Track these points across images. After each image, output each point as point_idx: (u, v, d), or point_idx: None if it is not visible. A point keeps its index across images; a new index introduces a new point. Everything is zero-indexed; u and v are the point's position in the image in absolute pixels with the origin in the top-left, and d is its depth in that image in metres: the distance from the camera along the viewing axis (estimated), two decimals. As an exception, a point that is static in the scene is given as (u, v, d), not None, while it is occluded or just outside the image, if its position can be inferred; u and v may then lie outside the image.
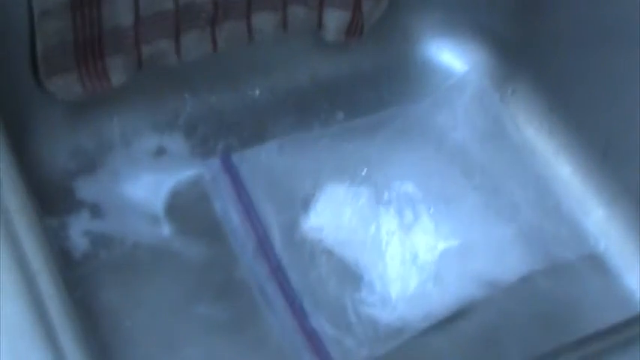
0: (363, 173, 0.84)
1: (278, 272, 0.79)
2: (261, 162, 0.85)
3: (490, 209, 0.84)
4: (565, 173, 0.90)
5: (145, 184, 0.85)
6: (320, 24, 0.90)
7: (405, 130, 0.88)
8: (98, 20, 0.78)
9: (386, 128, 0.88)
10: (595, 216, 0.87)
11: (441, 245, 0.81)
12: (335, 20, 0.89)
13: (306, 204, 0.83)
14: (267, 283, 0.79)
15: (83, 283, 0.77)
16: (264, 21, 0.87)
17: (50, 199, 0.81)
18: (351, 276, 0.80)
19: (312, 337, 0.76)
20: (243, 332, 0.78)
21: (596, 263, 0.85)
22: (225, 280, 0.80)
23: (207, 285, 0.80)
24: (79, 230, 0.81)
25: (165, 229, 0.82)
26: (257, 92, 0.92)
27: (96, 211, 0.82)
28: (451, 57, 0.97)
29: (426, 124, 0.88)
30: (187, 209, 0.84)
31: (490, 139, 0.88)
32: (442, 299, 0.78)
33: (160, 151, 0.87)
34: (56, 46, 0.78)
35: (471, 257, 0.80)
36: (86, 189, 0.84)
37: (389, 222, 0.81)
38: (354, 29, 0.91)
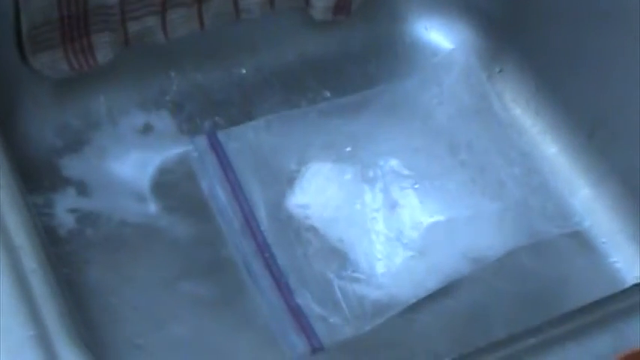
0: (349, 150, 0.84)
1: (264, 250, 0.79)
2: (248, 139, 0.85)
3: (476, 185, 0.84)
4: (552, 153, 0.90)
5: (131, 162, 0.85)
6: (307, 2, 0.90)
7: (391, 107, 0.88)
8: (84, -3, 0.78)
9: (373, 105, 0.88)
10: (581, 195, 0.88)
11: (427, 221, 0.81)
12: (322, -2, 0.89)
13: (291, 181, 0.83)
14: (253, 260, 0.79)
15: (69, 261, 0.77)
16: (251, -2, 0.87)
17: (36, 176, 0.81)
18: (336, 253, 0.80)
19: (298, 315, 0.76)
20: (229, 310, 0.78)
21: (582, 242, 0.85)
22: (212, 258, 0.80)
23: (194, 263, 0.80)
24: (65, 208, 0.81)
25: (152, 207, 0.82)
26: (244, 70, 0.92)
27: (82, 188, 0.82)
28: (439, 36, 0.96)
29: (412, 100, 0.88)
30: (174, 187, 0.84)
31: (476, 116, 0.88)
32: (428, 276, 0.78)
33: (147, 129, 0.87)
34: (41, 23, 0.78)
35: (457, 233, 0.80)
36: (72, 166, 0.84)
37: (374, 199, 0.81)
38: (341, 7, 0.90)
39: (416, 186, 0.82)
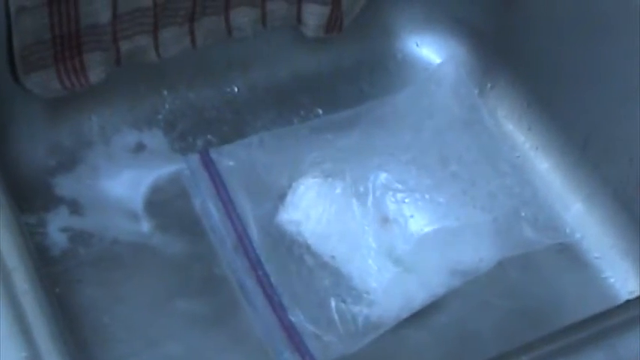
0: (340, 165, 0.84)
1: (257, 267, 0.79)
2: (240, 157, 0.85)
3: (467, 197, 0.83)
4: (544, 168, 0.90)
5: (124, 181, 0.85)
6: (299, 20, 0.90)
7: (382, 120, 0.87)
8: (75, 17, 0.78)
9: (364, 120, 0.87)
10: (574, 210, 0.88)
11: (418, 235, 0.81)
12: (314, 16, 0.89)
13: (283, 198, 0.83)
14: (246, 278, 0.79)
15: (62, 280, 0.77)
16: (243, 16, 0.87)
17: (29, 196, 0.81)
18: (328, 270, 0.79)
19: (292, 333, 0.76)
20: (223, 327, 0.78)
21: (575, 257, 0.85)
22: (205, 276, 0.80)
23: (187, 281, 0.80)
24: (57, 227, 0.81)
25: (145, 225, 0.83)
26: (236, 88, 0.92)
27: (75, 207, 0.82)
28: (430, 52, 0.97)
29: (403, 114, 0.88)
30: (167, 205, 0.84)
31: (467, 129, 0.88)
32: (419, 290, 0.78)
33: (139, 148, 0.87)
34: (33, 43, 0.78)
35: (448, 246, 0.80)
36: (65, 185, 0.84)
37: (365, 213, 0.81)
38: (333, 25, 0.90)
39: (406, 200, 0.82)
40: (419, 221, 0.82)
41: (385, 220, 0.82)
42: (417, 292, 0.78)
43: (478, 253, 0.81)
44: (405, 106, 0.89)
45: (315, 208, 0.82)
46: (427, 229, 0.81)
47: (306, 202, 0.82)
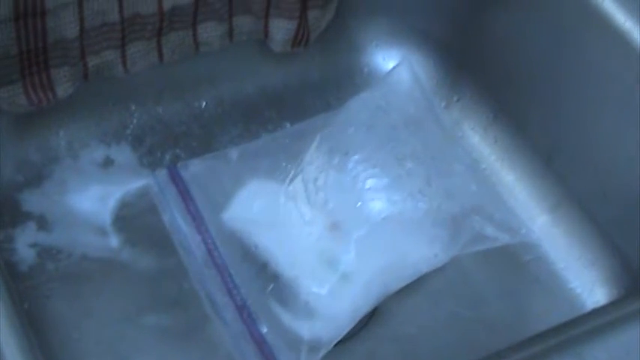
0: (294, 169, 0.82)
1: (227, 281, 0.79)
2: (208, 171, 0.84)
3: (424, 196, 0.82)
4: (510, 180, 0.91)
5: (92, 196, 0.85)
6: (266, 34, 0.90)
7: (337, 122, 0.85)
8: (42, 32, 0.78)
9: (322, 125, 0.85)
10: (540, 221, 0.88)
11: (374, 234, 0.79)
12: (281, 31, 0.90)
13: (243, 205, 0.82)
14: (216, 291, 0.79)
15: (31, 296, 0.77)
16: (210, 32, 0.87)
17: (-4, 211, 0.81)
18: (291, 282, 0.78)
19: (262, 345, 0.76)
20: (193, 341, 0.78)
21: (541, 268, 0.86)
22: (175, 291, 0.80)
23: (157, 295, 0.80)
24: (25, 243, 0.80)
25: (114, 241, 0.82)
26: (204, 103, 0.92)
27: (43, 223, 0.82)
28: (397, 65, 0.97)
29: (357, 112, 0.86)
30: (135, 220, 0.84)
31: (423, 128, 0.87)
32: (379, 290, 0.77)
33: (107, 163, 0.87)
34: (0, 59, 0.77)
35: (403, 243, 0.79)
36: (33, 201, 0.83)
37: (319, 220, 0.80)
38: (299, 39, 0.91)
39: (358, 204, 0.81)
40: (373, 220, 0.80)
41: (335, 227, 0.81)
42: (377, 291, 0.77)
43: (433, 248, 0.80)
44: (361, 106, 0.87)
45: (266, 214, 0.81)
46: (382, 227, 0.80)
47: (257, 207, 0.81)
